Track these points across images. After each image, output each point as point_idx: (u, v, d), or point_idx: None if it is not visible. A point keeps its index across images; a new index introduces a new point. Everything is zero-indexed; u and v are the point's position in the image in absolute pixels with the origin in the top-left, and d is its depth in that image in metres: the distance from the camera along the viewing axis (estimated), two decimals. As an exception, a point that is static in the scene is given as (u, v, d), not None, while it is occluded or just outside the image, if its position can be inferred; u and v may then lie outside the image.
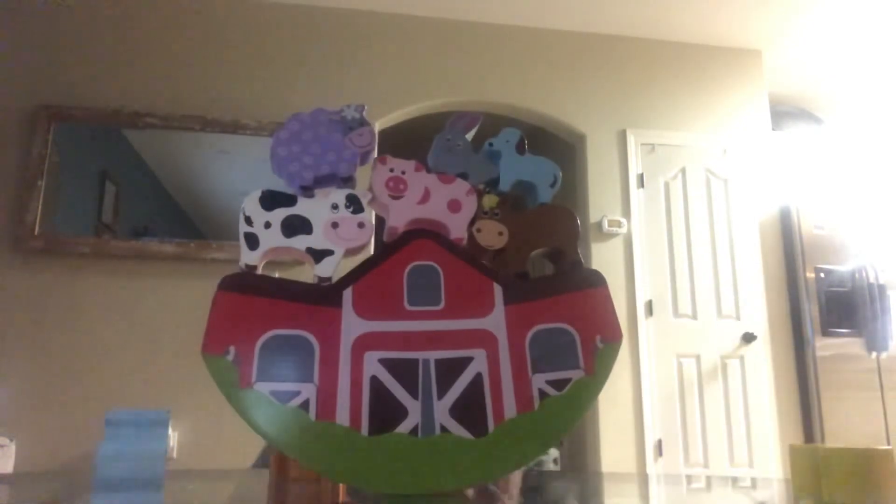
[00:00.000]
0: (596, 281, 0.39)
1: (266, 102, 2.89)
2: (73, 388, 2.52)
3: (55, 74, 2.80)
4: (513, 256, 0.39)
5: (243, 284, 0.36)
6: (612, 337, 0.37)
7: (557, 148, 3.33)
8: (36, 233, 2.59)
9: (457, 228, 0.38)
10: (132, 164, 2.94)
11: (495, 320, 0.36)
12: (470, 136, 0.42)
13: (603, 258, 3.01)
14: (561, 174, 0.41)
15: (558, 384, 0.36)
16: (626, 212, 3.13)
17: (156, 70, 2.90)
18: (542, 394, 0.35)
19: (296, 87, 2.94)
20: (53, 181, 2.66)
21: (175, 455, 2.47)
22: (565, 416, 0.35)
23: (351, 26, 3.08)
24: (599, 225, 3.08)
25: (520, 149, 0.41)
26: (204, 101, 2.87)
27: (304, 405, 0.33)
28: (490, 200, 0.40)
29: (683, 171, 3.23)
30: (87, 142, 2.85)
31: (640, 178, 3.18)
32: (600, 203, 3.12)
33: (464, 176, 0.40)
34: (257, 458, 0.87)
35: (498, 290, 0.37)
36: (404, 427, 0.33)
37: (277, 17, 3.05)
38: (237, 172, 3.03)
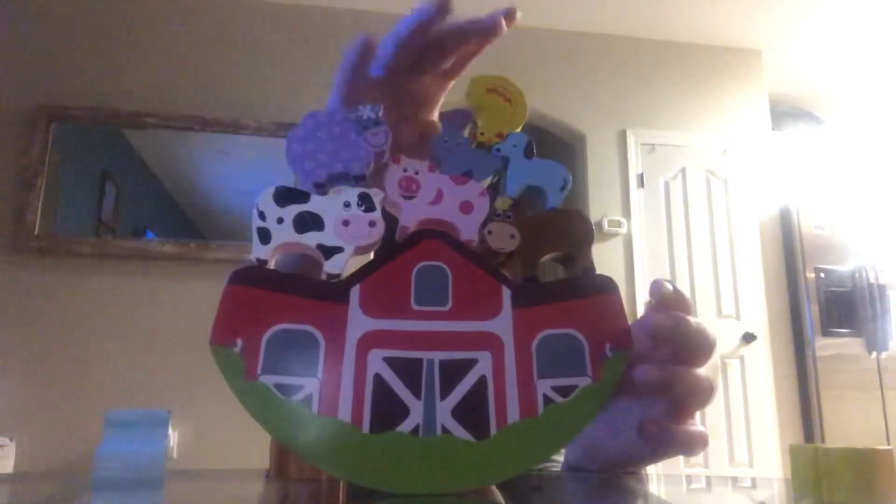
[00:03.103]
0: (607, 287, 0.38)
1: (266, 102, 2.90)
2: (73, 388, 2.52)
3: (55, 74, 2.80)
4: (524, 259, 0.39)
5: (253, 278, 0.36)
6: (621, 345, 0.37)
7: (557, 148, 3.33)
8: (36, 233, 2.59)
9: (468, 230, 0.38)
10: (132, 164, 2.95)
11: (502, 323, 0.36)
12: (465, 132, 0.42)
13: (603, 258, 3.01)
14: (571, 178, 0.40)
15: (564, 391, 0.35)
16: (626, 212, 3.13)
17: (156, 70, 2.90)
18: (547, 399, 0.35)
19: (296, 87, 2.94)
20: (53, 181, 2.67)
21: (175, 455, 2.47)
22: (569, 423, 0.35)
23: (351, 27, 3.08)
24: (599, 225, 3.08)
25: (528, 153, 0.41)
26: (204, 101, 2.87)
27: (307, 399, 0.33)
28: (503, 203, 0.40)
29: (683, 171, 3.23)
30: (87, 142, 2.85)
31: (640, 178, 3.18)
32: (600, 203, 3.12)
33: (468, 174, 0.40)
34: None
35: (506, 293, 0.37)
36: (406, 426, 0.33)
37: (278, 17, 3.06)
38: (237, 172, 3.04)
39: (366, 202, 0.37)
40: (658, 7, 3.12)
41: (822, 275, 3.16)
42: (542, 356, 0.35)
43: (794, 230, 3.22)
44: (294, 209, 0.37)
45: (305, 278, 0.36)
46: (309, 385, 0.33)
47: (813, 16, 3.14)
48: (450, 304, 0.36)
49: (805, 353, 3.11)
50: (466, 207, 0.38)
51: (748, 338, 3.04)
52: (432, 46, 0.44)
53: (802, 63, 3.53)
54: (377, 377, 0.34)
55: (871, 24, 3.19)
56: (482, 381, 0.34)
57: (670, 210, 3.18)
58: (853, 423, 3.02)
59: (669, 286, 0.40)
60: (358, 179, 0.38)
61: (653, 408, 0.38)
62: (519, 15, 0.45)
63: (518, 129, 0.42)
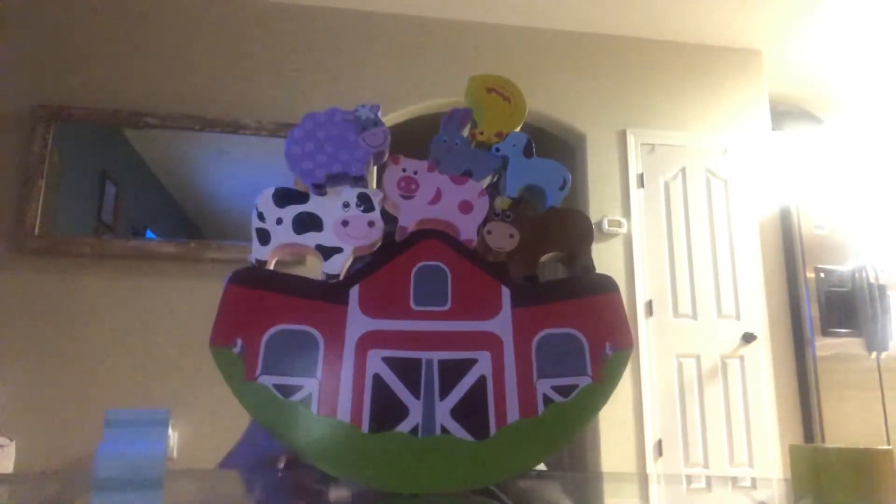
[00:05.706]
0: (608, 286, 0.39)
1: (266, 102, 2.89)
2: (72, 388, 2.52)
3: (55, 74, 2.80)
4: (523, 259, 0.39)
5: (253, 279, 0.36)
6: (622, 344, 0.37)
7: (557, 148, 3.33)
8: (36, 233, 2.59)
9: (467, 230, 0.38)
10: (132, 164, 2.94)
11: (502, 323, 0.36)
12: (465, 131, 0.42)
13: (603, 258, 3.01)
14: (570, 177, 0.40)
15: (564, 390, 0.35)
16: (626, 212, 3.13)
17: (156, 70, 2.90)
18: (547, 399, 0.35)
19: (296, 87, 2.94)
20: (53, 181, 2.66)
21: (175, 455, 2.47)
22: (569, 423, 0.35)
23: (351, 26, 3.08)
24: (599, 225, 3.08)
25: (527, 152, 0.41)
26: (204, 101, 2.87)
27: (307, 400, 0.33)
28: (502, 202, 0.40)
29: (683, 171, 3.23)
30: (87, 142, 2.85)
31: (640, 178, 3.18)
32: (600, 203, 3.12)
33: (468, 174, 0.40)
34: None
35: (506, 292, 0.37)
36: (405, 426, 0.33)
37: (278, 17, 3.05)
38: (237, 172, 3.03)
39: (365, 202, 0.37)
40: (658, 7, 3.12)
41: (822, 275, 3.16)
42: (542, 356, 0.35)
43: (794, 230, 3.22)
44: (293, 210, 0.37)
45: (305, 279, 0.36)
46: (308, 385, 0.33)
47: (813, 16, 3.14)
48: (449, 304, 0.36)
49: (805, 353, 3.11)
50: (466, 207, 0.38)
51: (748, 338, 3.04)
52: None
53: (802, 63, 3.53)
54: (376, 377, 0.34)
55: (872, 25, 3.18)
56: (482, 381, 0.34)
57: (670, 210, 3.18)
58: (853, 423, 3.01)
59: None
60: (357, 180, 0.38)
61: None
62: None
63: (517, 129, 0.42)
